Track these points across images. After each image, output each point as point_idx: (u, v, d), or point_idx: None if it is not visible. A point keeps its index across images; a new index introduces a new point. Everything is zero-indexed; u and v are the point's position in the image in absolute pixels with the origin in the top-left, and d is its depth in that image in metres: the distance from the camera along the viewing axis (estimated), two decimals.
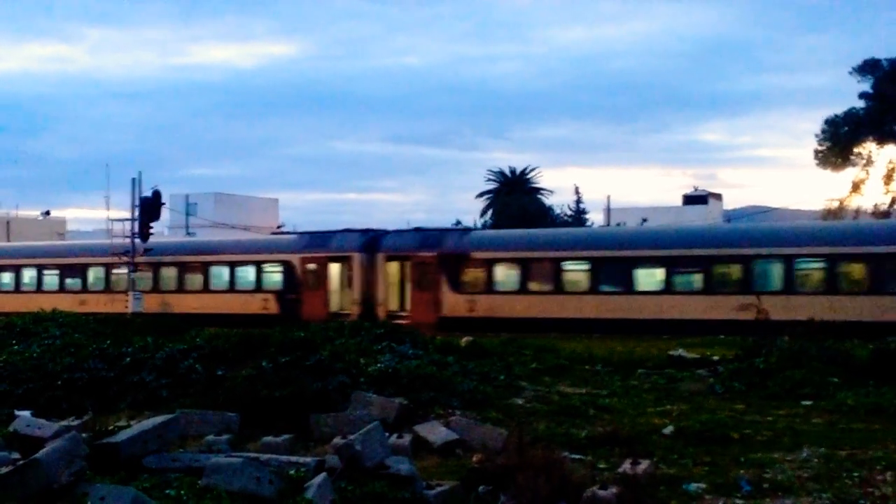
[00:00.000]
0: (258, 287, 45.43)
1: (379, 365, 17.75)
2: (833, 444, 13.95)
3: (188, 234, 73.33)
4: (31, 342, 20.83)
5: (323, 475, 9.42)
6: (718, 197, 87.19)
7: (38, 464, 8.61)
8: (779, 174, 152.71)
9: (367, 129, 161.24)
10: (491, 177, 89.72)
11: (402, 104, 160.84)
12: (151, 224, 46.81)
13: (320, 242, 44.78)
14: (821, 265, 36.04)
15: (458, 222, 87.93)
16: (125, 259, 46.02)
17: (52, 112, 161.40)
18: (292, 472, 9.56)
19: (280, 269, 44.93)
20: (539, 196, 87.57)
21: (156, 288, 47.30)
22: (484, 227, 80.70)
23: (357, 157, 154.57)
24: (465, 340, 26.87)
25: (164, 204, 48.10)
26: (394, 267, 43.02)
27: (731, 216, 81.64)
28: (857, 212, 66.14)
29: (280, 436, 12.48)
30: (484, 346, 25.70)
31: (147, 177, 50.97)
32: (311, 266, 44.04)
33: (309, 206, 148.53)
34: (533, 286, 40.13)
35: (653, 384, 21.41)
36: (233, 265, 46.17)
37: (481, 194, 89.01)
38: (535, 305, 39.39)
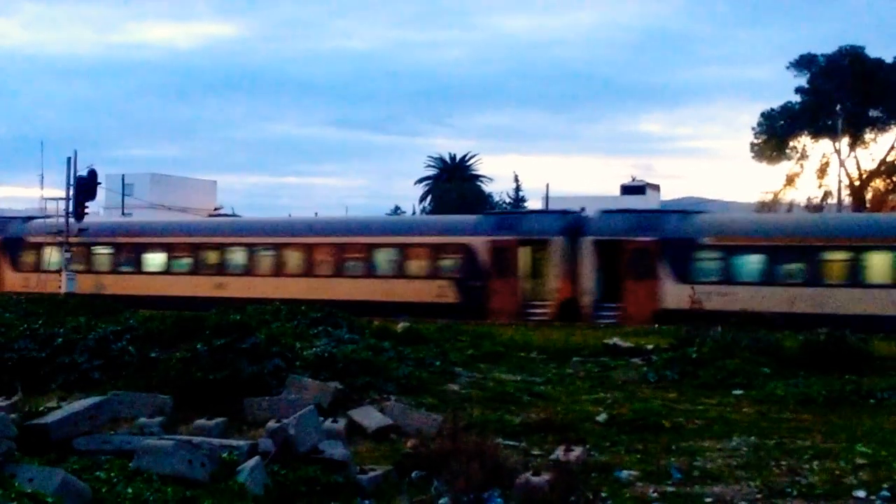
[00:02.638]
0: None
1: (314, 349, 17.67)
2: (762, 434, 14.18)
3: (123, 214, 72.43)
4: None
5: (256, 458, 9.38)
6: (656, 187, 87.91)
7: None
8: (716, 166, 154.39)
9: (308, 112, 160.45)
10: (431, 163, 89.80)
11: (344, 88, 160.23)
12: (87, 204, 46.12)
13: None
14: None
15: (397, 208, 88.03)
16: (59, 239, 45.33)
17: None
18: (225, 455, 9.50)
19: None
20: (478, 183, 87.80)
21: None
22: (423, 212, 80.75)
23: (297, 141, 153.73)
24: (401, 326, 26.88)
25: (99, 184, 47.36)
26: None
27: (667, 207, 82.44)
28: (791, 205, 67.12)
29: (213, 419, 12.40)
30: (420, 332, 25.72)
31: (82, 156, 50.36)
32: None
33: (248, 189, 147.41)
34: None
35: (587, 372, 21.58)
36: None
37: (420, 180, 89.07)
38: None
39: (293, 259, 43.22)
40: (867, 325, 29.29)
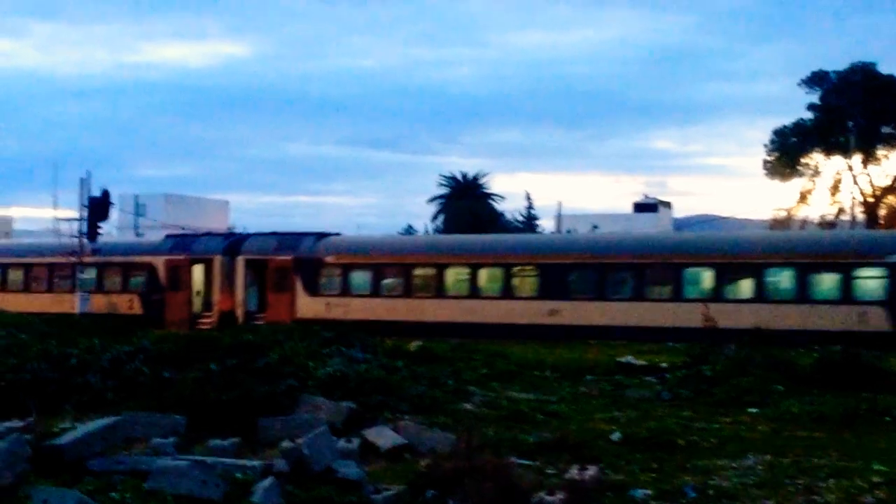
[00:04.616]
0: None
1: (328, 369, 17.68)
2: (777, 452, 14.10)
3: (137, 235, 72.66)
4: None
5: (270, 479, 9.38)
6: (668, 205, 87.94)
7: None
8: (729, 183, 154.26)
9: (320, 131, 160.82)
10: (443, 181, 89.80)
11: (355, 107, 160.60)
12: (100, 224, 46.32)
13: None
14: None
15: (410, 227, 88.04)
16: (73, 259, 45.48)
17: None
18: (239, 475, 9.50)
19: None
20: (490, 201, 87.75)
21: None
22: (436, 231, 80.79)
23: (309, 160, 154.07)
24: (414, 345, 26.85)
25: (112, 204, 47.68)
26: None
27: (680, 224, 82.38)
28: (804, 222, 66.95)
29: (227, 439, 12.39)
30: (434, 351, 25.69)
31: (96, 176, 50.40)
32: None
33: (260, 209, 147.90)
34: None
35: (601, 391, 21.52)
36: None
37: (433, 199, 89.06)
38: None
39: None
40: (449, 331, 33.98)
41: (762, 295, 35.95)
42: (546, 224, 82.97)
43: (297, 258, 42.56)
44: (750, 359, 22.34)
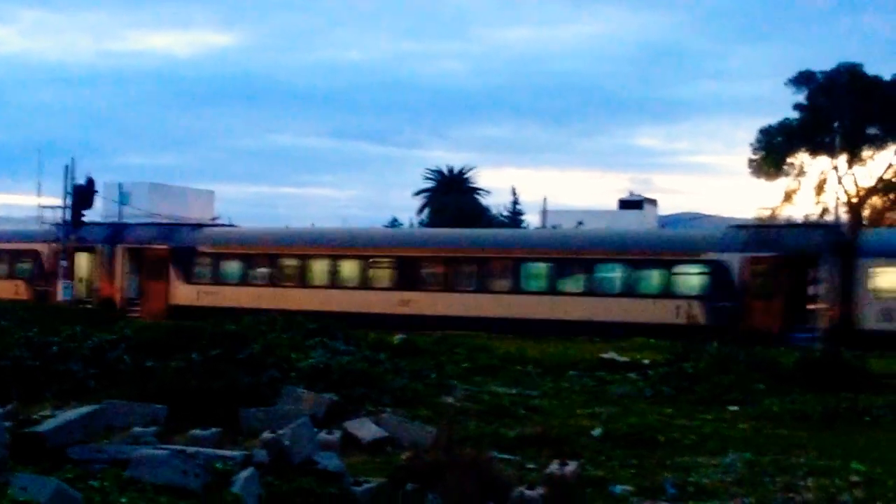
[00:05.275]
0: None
1: (310, 360, 17.68)
2: (758, 450, 14.16)
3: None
4: None
5: (250, 469, 9.36)
6: (654, 202, 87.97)
7: None
8: (714, 181, 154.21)
9: (305, 122, 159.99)
10: (429, 175, 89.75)
11: (341, 99, 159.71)
12: (84, 212, 46.16)
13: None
14: None
15: (395, 220, 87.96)
16: (55, 247, 45.32)
17: None
18: (219, 465, 9.47)
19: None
20: (476, 196, 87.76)
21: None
22: (421, 225, 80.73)
23: (295, 151, 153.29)
24: (397, 338, 26.85)
25: (96, 192, 47.46)
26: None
27: (665, 221, 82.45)
28: (789, 221, 67.11)
29: (208, 429, 12.38)
30: (416, 344, 25.71)
31: (80, 164, 50.25)
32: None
33: (245, 199, 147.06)
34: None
35: (583, 386, 21.57)
36: None
37: (418, 192, 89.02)
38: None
39: None
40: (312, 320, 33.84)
41: (593, 289, 38.47)
42: (532, 219, 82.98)
43: (173, 247, 44.54)
44: (732, 357, 22.42)
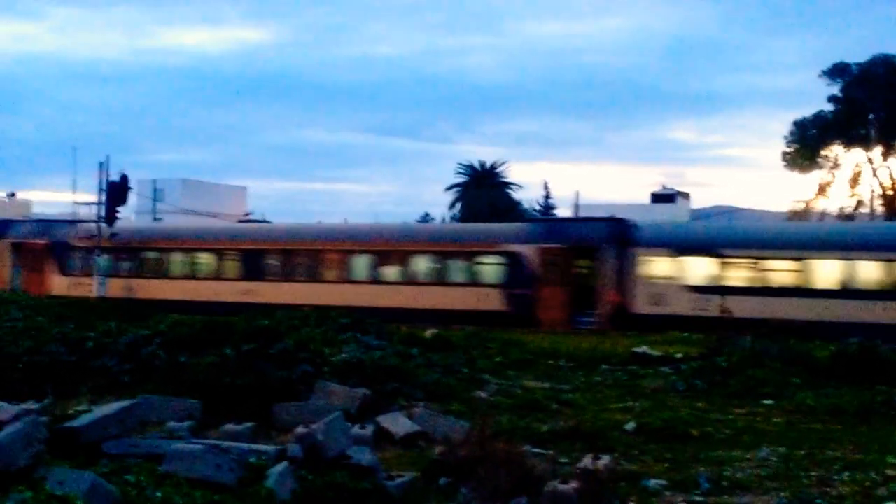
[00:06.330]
0: None
1: (343, 355, 17.72)
2: (792, 444, 14.07)
3: (155, 220, 72.89)
4: None
5: (284, 464, 9.40)
6: (686, 196, 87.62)
7: None
8: (747, 174, 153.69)
9: (337, 118, 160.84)
10: (461, 170, 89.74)
11: (373, 94, 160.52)
12: (118, 209, 46.50)
13: None
14: None
15: (427, 215, 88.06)
16: (91, 243, 45.68)
17: (16, 92, 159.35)
18: (253, 459, 9.52)
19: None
20: (508, 190, 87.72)
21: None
22: (453, 220, 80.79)
23: (327, 147, 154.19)
24: (429, 332, 26.89)
25: (131, 188, 47.79)
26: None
27: (697, 215, 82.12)
28: (823, 214, 66.72)
29: (242, 424, 12.43)
30: (449, 339, 25.73)
31: (114, 161, 51.32)
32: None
33: (277, 195, 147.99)
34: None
35: (616, 380, 21.52)
36: None
37: (450, 187, 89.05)
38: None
39: None
40: (172, 309, 34.07)
41: (408, 278, 41.88)
42: (564, 214, 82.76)
43: (51, 242, 48.39)
44: (765, 351, 22.30)
